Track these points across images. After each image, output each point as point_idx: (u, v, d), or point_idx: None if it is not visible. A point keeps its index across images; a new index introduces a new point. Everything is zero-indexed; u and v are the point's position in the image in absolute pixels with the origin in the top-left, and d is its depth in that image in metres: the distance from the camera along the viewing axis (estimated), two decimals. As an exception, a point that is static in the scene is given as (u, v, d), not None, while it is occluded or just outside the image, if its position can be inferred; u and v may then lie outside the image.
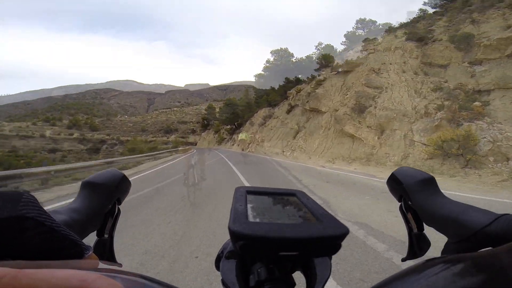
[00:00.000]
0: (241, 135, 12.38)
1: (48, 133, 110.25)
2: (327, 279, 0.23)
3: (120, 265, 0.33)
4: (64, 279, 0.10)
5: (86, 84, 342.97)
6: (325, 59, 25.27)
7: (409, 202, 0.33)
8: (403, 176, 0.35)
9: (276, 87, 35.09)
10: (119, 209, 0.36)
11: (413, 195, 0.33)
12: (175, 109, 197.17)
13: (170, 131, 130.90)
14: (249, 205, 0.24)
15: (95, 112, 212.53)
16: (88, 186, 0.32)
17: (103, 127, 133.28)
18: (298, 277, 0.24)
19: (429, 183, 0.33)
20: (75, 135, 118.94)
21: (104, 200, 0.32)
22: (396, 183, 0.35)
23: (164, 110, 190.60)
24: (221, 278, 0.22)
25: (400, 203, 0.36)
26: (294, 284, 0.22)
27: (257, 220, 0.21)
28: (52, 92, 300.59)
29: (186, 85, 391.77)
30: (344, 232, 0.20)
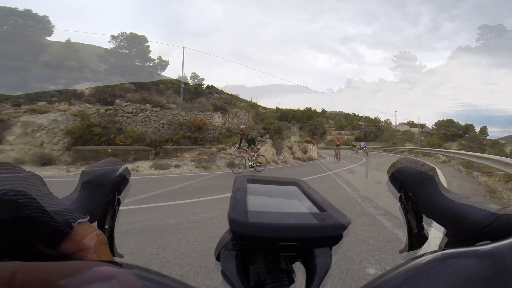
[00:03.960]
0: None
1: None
2: (328, 270, 0.22)
3: (121, 256, 0.34)
4: (75, 270, 0.10)
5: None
6: None
7: (409, 202, 0.33)
8: (403, 175, 0.34)
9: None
10: (119, 200, 0.35)
11: (413, 194, 0.33)
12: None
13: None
14: (249, 194, 0.24)
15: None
16: (87, 177, 0.31)
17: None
18: (299, 269, 0.24)
19: (429, 182, 0.33)
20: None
21: (104, 191, 0.31)
22: (395, 183, 0.35)
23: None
24: (221, 268, 0.22)
25: (400, 203, 0.36)
26: (295, 275, 0.22)
27: (257, 209, 0.21)
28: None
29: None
30: (345, 222, 0.20)
